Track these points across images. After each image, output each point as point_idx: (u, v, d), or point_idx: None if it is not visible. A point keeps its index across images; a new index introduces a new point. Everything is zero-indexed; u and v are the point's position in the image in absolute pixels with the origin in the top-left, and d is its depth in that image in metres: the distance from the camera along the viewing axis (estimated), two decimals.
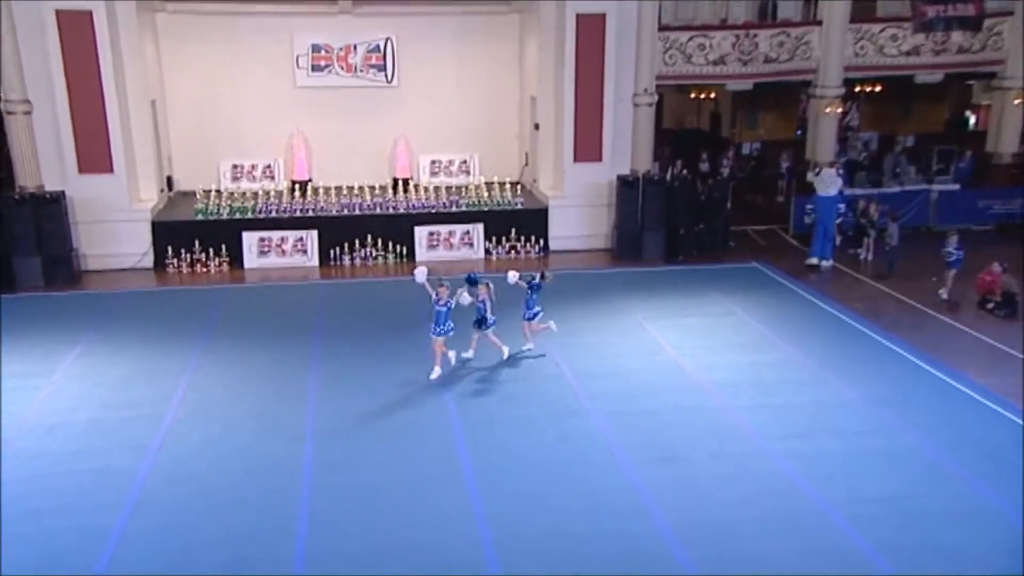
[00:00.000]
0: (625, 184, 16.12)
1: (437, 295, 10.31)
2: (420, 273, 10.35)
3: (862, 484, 8.22)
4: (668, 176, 16.95)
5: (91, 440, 9.03)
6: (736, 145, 22.22)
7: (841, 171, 16.86)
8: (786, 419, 9.50)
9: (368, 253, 15.92)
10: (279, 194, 16.85)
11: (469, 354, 10.87)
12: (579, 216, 16.61)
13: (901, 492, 8.09)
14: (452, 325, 10.44)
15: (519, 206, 16.54)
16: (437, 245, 16.14)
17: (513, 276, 10.44)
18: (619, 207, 16.23)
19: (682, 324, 12.47)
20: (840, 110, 18.54)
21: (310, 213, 16.06)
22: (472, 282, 10.48)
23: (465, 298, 10.47)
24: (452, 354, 10.63)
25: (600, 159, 16.49)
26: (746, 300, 13.54)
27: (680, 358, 11.22)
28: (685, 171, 17.46)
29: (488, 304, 10.57)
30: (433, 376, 10.34)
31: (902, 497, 8.00)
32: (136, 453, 8.76)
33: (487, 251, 16.29)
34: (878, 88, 20.49)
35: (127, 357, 11.24)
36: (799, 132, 22.48)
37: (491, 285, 10.58)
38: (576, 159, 16.45)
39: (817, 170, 16.37)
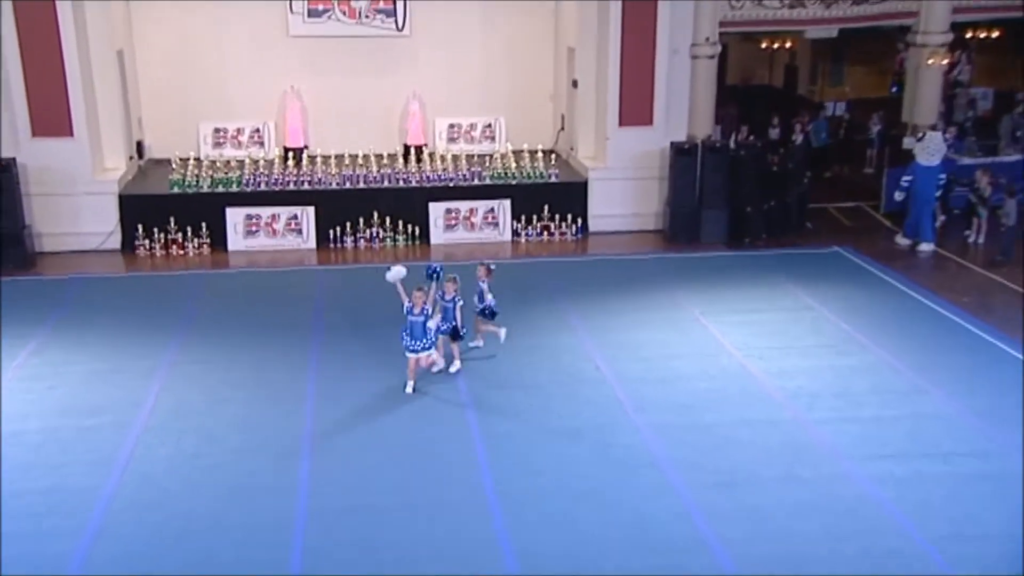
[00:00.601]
0: (680, 153, 16.03)
1: (411, 302, 10.24)
2: (395, 273, 10.22)
3: (967, 517, 8.08)
4: (732, 143, 16.81)
5: (45, 454, 9.11)
6: (817, 104, 21.91)
7: (951, 136, 16.57)
8: (875, 436, 9.39)
9: (374, 234, 15.97)
10: (269, 163, 16.95)
11: (478, 342, 11.12)
12: (625, 191, 16.57)
13: (1016, 528, 7.92)
14: (433, 339, 10.39)
15: (553, 179, 16.53)
16: (456, 225, 16.15)
17: (396, 272, 10.25)
18: (673, 180, 16.15)
19: (748, 321, 12.40)
20: (946, 61, 18.16)
21: (306, 186, 16.12)
22: (433, 276, 10.37)
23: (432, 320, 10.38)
24: (441, 360, 10.68)
25: (650, 123, 16.42)
26: (826, 292, 13.43)
27: (745, 361, 11.16)
28: (753, 137, 17.27)
29: (456, 305, 10.55)
30: (408, 390, 10.34)
31: (1017, 535, 7.82)
32: (98, 469, 8.82)
33: (515, 232, 16.29)
34: (994, 34, 20.02)
35: (89, 355, 11.35)
36: (894, 89, 22.14)
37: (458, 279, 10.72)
38: (622, 123, 16.40)
39: (920, 134, 16.08)
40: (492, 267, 11.01)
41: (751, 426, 9.61)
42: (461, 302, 10.80)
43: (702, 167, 16.07)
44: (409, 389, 10.39)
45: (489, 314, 11.18)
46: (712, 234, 16.10)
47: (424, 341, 10.30)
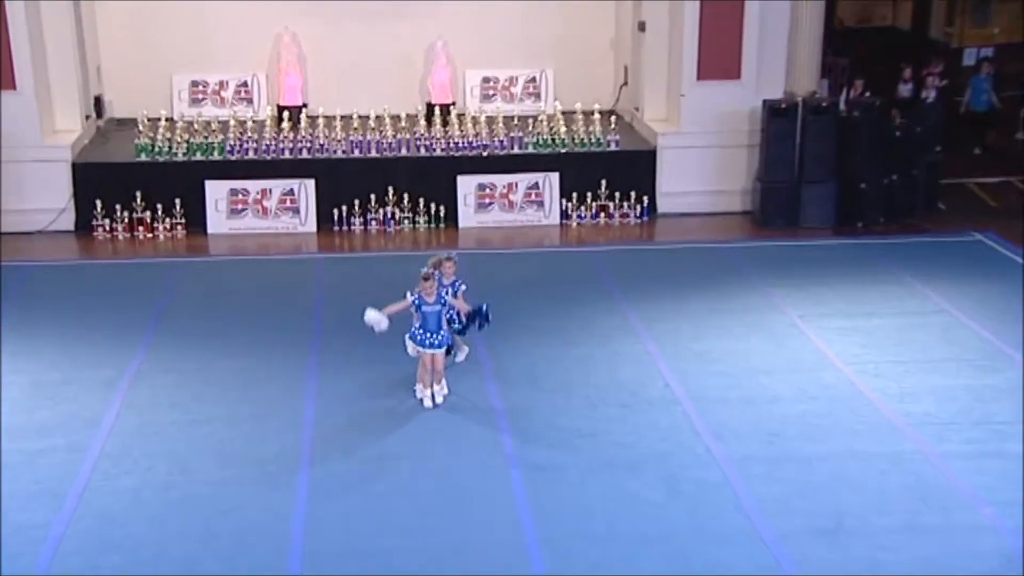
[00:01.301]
0: (776, 114, 15.94)
1: (417, 294, 10.28)
2: (373, 319, 10.26)
3: None
4: (843, 101, 16.65)
5: None
6: (954, 50, 21.54)
7: None
8: None
9: (388, 215, 16.07)
10: (259, 126, 17.10)
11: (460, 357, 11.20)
12: (703, 162, 16.53)
13: None
14: (446, 334, 10.44)
15: (613, 147, 16.52)
16: (490, 204, 16.19)
17: (374, 320, 10.29)
18: (766, 149, 16.05)
19: (860, 327, 12.31)
20: None
21: (304, 154, 16.25)
22: (483, 322, 10.76)
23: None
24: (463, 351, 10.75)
25: (737, 76, 16.35)
26: (962, 291, 13.29)
27: (857, 379, 11.07)
28: (870, 93, 17.07)
29: (459, 292, 10.73)
30: (427, 403, 10.45)
31: None
32: (47, 503, 8.92)
33: (564, 214, 16.29)
34: None
35: (35, 363, 11.51)
36: None
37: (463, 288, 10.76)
38: (701, 76, 16.36)
39: None
40: (454, 257, 10.84)
41: (863, 461, 9.52)
42: (463, 287, 10.83)
43: (803, 132, 15.98)
44: (428, 402, 10.47)
45: (461, 325, 10.85)
46: (815, 216, 16.02)
47: (440, 335, 10.37)
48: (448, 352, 10.66)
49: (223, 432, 10.08)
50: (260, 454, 9.68)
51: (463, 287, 10.85)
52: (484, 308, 10.74)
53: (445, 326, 10.45)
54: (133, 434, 10.03)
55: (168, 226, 15.78)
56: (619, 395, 10.76)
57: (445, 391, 10.58)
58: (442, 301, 10.37)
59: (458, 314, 10.74)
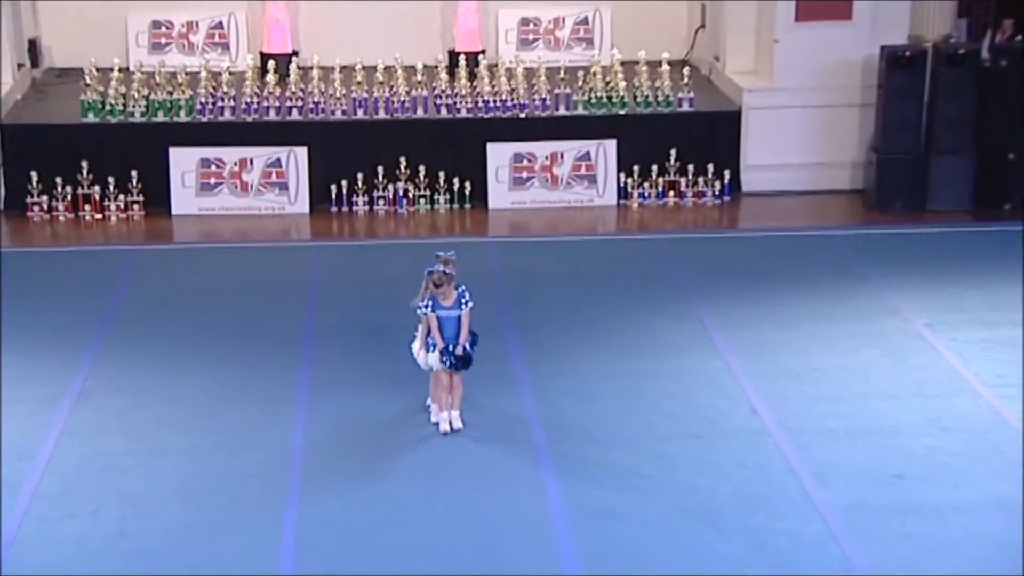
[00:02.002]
0: (898, 65, 15.84)
1: (426, 296, 10.25)
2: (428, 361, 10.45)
3: None
4: (986, 48, 16.45)
5: None
6: None
7: None
8: None
9: (400, 192, 16.07)
10: (238, 79, 17.09)
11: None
12: (802, 127, 16.48)
13: None
14: (465, 344, 10.38)
15: (686, 107, 16.47)
16: (529, 180, 16.15)
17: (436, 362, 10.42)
18: (884, 110, 15.97)
19: (1006, 339, 12.25)
20: None
21: (295, 115, 16.28)
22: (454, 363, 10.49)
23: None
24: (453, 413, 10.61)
25: (848, 16, 16.32)
26: None
27: (1002, 405, 10.98)
28: (1022, 37, 16.83)
29: (464, 305, 10.44)
30: (443, 428, 10.49)
31: None
32: None
33: (623, 192, 16.26)
34: None
35: None
36: None
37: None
38: (800, 17, 16.33)
39: None
40: (444, 271, 10.57)
41: (1009, 513, 9.38)
42: (470, 303, 10.46)
43: (934, 88, 15.88)
44: (444, 426, 10.48)
45: (457, 360, 10.52)
46: (948, 197, 15.95)
47: (453, 350, 10.38)
48: (466, 364, 10.61)
49: (189, 466, 10.05)
50: (236, 495, 9.64)
51: (470, 303, 10.60)
52: (454, 347, 10.43)
53: (465, 336, 10.41)
54: (77, 469, 10.02)
55: (122, 205, 15.82)
56: (692, 423, 10.69)
57: (459, 423, 10.55)
58: (461, 304, 10.35)
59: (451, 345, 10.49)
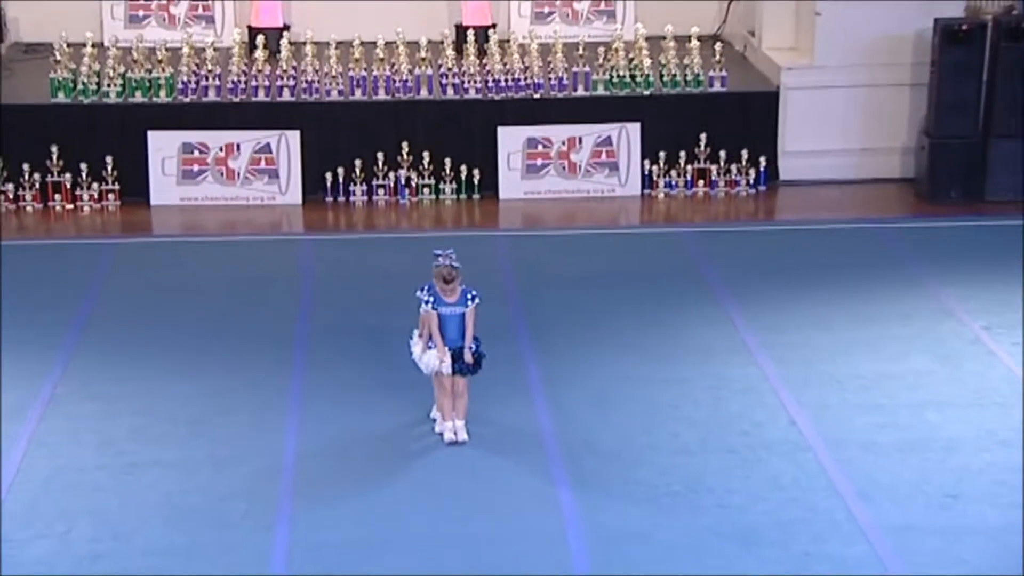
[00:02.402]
0: (953, 40, 15.77)
1: (429, 293, 10.26)
2: (431, 364, 10.42)
3: None
4: None
5: None
6: None
7: None
8: None
9: (402, 181, 16.03)
10: (223, 55, 17.07)
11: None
12: (847, 109, 16.46)
13: None
14: (474, 344, 10.37)
15: (718, 87, 16.42)
16: (544, 167, 16.13)
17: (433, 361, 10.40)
18: (937, 90, 15.90)
19: None
20: None
21: (286, 96, 16.22)
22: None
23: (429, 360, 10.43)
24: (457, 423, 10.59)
25: None
26: None
27: None
28: None
29: (468, 301, 10.44)
30: (447, 439, 10.49)
31: None
32: None
33: (648, 181, 16.22)
34: None
35: None
36: None
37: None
38: None
39: None
40: (453, 264, 10.49)
41: None
42: (476, 300, 10.42)
43: (992, 65, 15.81)
44: (450, 435, 10.48)
45: (467, 365, 10.52)
46: (1007, 185, 15.88)
47: (459, 350, 10.36)
48: (476, 367, 10.56)
49: (171, 482, 10.02)
50: (222, 513, 9.62)
51: (476, 300, 10.53)
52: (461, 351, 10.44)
53: (470, 337, 10.37)
54: (45, 484, 9.98)
55: (96, 194, 15.78)
56: (724, 436, 10.66)
57: (464, 435, 10.50)
58: (467, 300, 10.31)
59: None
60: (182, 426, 10.84)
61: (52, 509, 9.65)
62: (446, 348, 10.31)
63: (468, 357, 10.33)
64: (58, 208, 15.72)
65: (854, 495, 9.80)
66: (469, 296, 10.34)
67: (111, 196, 15.79)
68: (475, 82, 16.29)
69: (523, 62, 16.53)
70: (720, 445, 10.53)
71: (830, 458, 10.30)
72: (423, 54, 16.47)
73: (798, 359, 11.91)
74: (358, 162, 15.93)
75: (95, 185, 15.75)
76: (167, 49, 16.47)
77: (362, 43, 16.56)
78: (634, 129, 16.09)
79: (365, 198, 16.00)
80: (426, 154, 15.96)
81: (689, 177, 16.18)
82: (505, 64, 16.51)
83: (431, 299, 10.28)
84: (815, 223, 15.29)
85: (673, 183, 16.17)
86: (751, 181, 16.21)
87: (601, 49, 16.68)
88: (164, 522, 9.50)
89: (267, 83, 16.23)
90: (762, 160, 16.20)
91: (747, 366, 11.81)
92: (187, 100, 16.09)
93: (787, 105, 16.34)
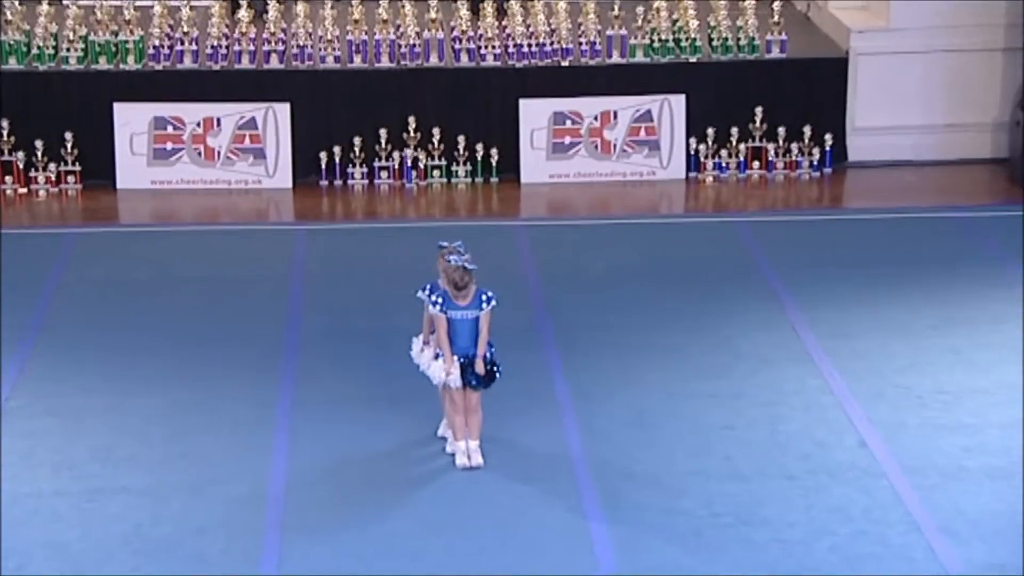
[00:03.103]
0: None
1: (435, 296, 10.31)
2: (439, 375, 10.49)
3: None
4: None
5: None
6: None
7: None
8: None
9: (408, 161, 16.08)
10: (201, 15, 17.09)
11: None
12: (927, 79, 16.48)
13: None
14: (494, 354, 10.44)
15: (776, 53, 16.45)
16: (573, 146, 16.16)
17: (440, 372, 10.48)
18: None
19: None
20: None
21: (274, 63, 16.26)
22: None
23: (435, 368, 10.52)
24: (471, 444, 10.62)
25: None
26: None
27: None
28: None
29: (484, 303, 10.46)
30: (459, 462, 10.51)
31: None
32: None
33: (694, 161, 16.26)
34: None
35: None
36: None
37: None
38: None
39: None
40: (467, 267, 10.48)
41: None
42: (493, 302, 10.40)
43: None
44: (462, 459, 10.51)
45: (479, 377, 10.53)
46: None
47: (470, 360, 10.37)
48: (489, 379, 10.59)
49: (141, 511, 10.02)
50: (199, 547, 9.61)
51: (493, 301, 10.53)
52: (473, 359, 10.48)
53: (484, 345, 10.38)
54: None
55: (53, 176, 15.85)
56: (783, 459, 10.66)
57: (479, 458, 10.52)
58: (481, 303, 10.32)
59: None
60: (153, 447, 10.85)
61: (3, 542, 9.63)
62: (455, 358, 10.35)
63: (480, 367, 10.35)
64: (9, 192, 15.78)
65: (935, 530, 9.75)
66: (484, 298, 10.34)
67: (71, 178, 15.85)
68: (493, 47, 16.33)
69: (549, 24, 16.56)
70: (778, 470, 10.52)
71: (907, 486, 10.26)
72: (433, 14, 16.54)
73: (869, 370, 11.90)
74: (357, 140, 15.98)
75: (52, 166, 15.81)
76: (136, 8, 16.53)
77: (362, 1, 16.60)
78: (678, 102, 16.12)
79: (365, 182, 16.05)
80: (436, 131, 16.01)
81: (742, 158, 16.20)
82: (528, 26, 16.54)
83: (440, 301, 10.31)
84: (889, 211, 15.28)
85: (723, 165, 16.19)
86: (814, 162, 16.23)
87: (640, 9, 16.68)
88: (132, 556, 9.49)
89: (252, 48, 16.27)
90: (827, 138, 16.22)
91: (810, 378, 11.81)
92: (159, 67, 16.14)
93: (857, 74, 16.36)
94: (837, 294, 13.29)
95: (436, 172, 16.06)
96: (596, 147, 16.12)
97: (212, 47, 16.25)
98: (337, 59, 16.24)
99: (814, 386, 11.68)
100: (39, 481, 10.40)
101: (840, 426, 11.10)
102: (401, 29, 16.40)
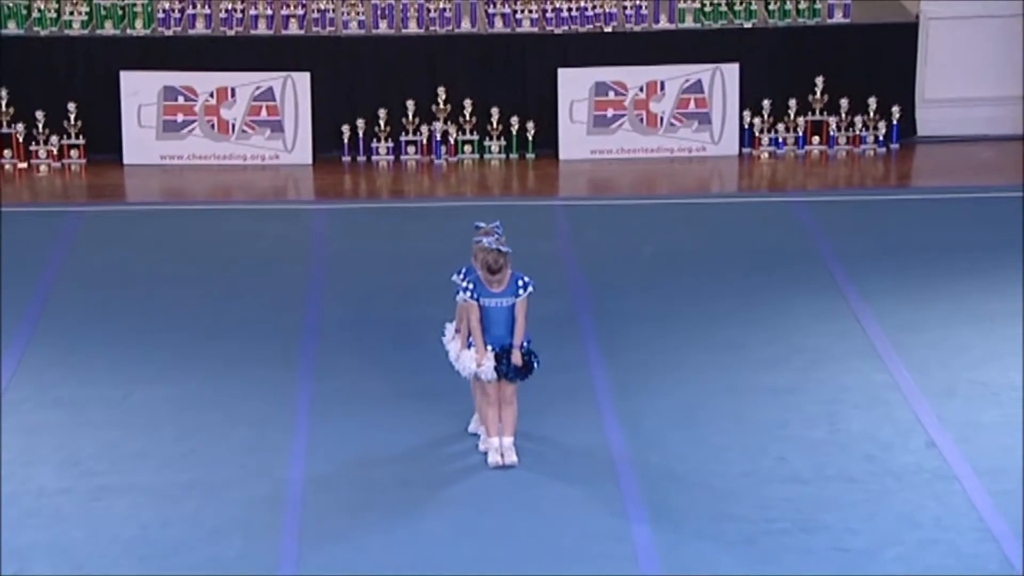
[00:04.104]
0: None
1: (467, 278, 10.33)
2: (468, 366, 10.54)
3: None
4: None
5: None
6: None
7: None
8: None
9: (437, 135, 16.12)
10: None
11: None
12: (1005, 45, 16.42)
13: None
14: (531, 344, 10.44)
15: (839, 18, 16.46)
16: (616, 119, 16.17)
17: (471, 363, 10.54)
18: None
19: None
20: None
21: (293, 29, 16.30)
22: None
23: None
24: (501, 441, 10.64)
25: None
26: None
27: None
28: None
29: (521, 289, 10.48)
30: (491, 460, 10.53)
31: None
32: None
33: (749, 136, 16.27)
34: None
35: None
36: None
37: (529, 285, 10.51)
38: None
39: None
40: (501, 249, 10.49)
41: None
42: (530, 287, 10.42)
43: None
44: (495, 457, 10.53)
45: (515, 368, 10.58)
46: None
47: (507, 354, 10.37)
48: (526, 371, 10.61)
49: (150, 511, 10.05)
50: (212, 551, 9.63)
51: (529, 287, 10.54)
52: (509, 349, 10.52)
53: (521, 334, 10.39)
54: None
55: (56, 150, 15.92)
56: (844, 460, 10.62)
57: (512, 456, 10.55)
58: (517, 289, 10.33)
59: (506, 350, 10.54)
60: (163, 443, 10.90)
61: (3, 543, 9.65)
62: (488, 348, 10.37)
63: (517, 358, 10.37)
64: (8, 167, 15.85)
65: (1012, 538, 9.69)
66: (520, 283, 10.35)
67: (74, 153, 15.92)
68: (530, 11, 16.31)
69: None
70: (838, 473, 10.49)
71: (981, 490, 10.21)
72: None
73: (939, 364, 11.87)
74: (382, 112, 16.00)
75: (54, 139, 15.88)
76: None
77: None
78: (731, 71, 16.11)
79: (391, 157, 16.07)
80: (468, 102, 16.02)
81: (800, 132, 16.18)
82: None
83: (471, 287, 10.33)
84: (962, 191, 15.24)
85: (780, 140, 16.16)
86: (880, 137, 16.21)
87: None
88: (140, 560, 9.52)
89: (269, 12, 16.29)
90: (895, 111, 16.18)
91: (874, 372, 11.78)
92: (169, 33, 16.18)
93: (928, 40, 16.33)
94: (904, 282, 13.27)
95: (467, 147, 16.07)
96: (641, 120, 16.11)
97: (226, 11, 16.29)
98: (361, 24, 16.24)
99: (879, 381, 11.66)
100: (41, 478, 10.44)
101: (907, 425, 11.08)
102: None
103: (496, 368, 10.36)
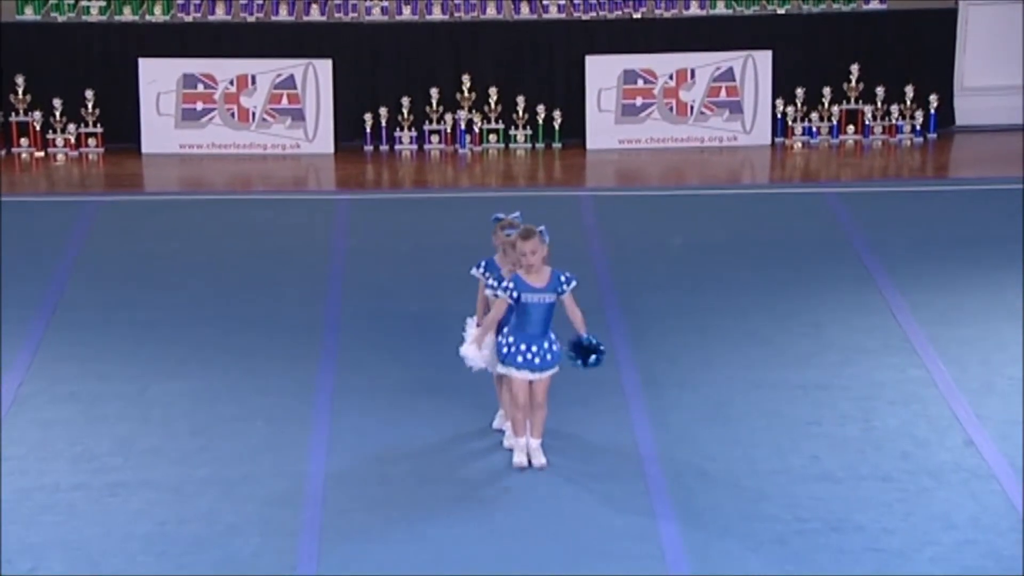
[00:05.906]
0: None
1: (504, 282, 10.24)
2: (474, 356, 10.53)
3: None
4: None
5: None
6: None
7: None
8: None
9: (462, 125, 16.12)
10: None
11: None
12: None
13: None
14: (554, 342, 10.38)
15: (875, 4, 16.43)
16: (645, 108, 16.17)
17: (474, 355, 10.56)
18: None
19: None
20: None
21: (314, 15, 16.33)
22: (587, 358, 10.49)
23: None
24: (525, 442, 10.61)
25: None
26: None
27: None
28: None
29: (564, 283, 10.44)
30: (516, 461, 10.51)
31: None
32: None
33: (781, 125, 16.27)
34: None
35: None
36: None
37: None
38: None
39: None
40: (517, 221, 10.47)
41: None
42: (573, 282, 10.36)
43: None
44: (521, 457, 10.52)
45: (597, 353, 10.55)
46: None
47: (548, 344, 10.31)
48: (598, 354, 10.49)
49: (166, 507, 10.07)
50: (229, 549, 9.64)
51: (573, 282, 10.49)
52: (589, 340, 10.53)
53: (582, 329, 10.36)
54: (8, 509, 10.02)
55: (73, 139, 15.97)
56: (878, 459, 10.60)
57: (541, 458, 10.51)
58: (560, 285, 10.27)
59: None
60: (180, 438, 10.93)
61: (15, 540, 9.70)
62: (530, 348, 10.26)
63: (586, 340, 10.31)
64: (24, 156, 15.90)
65: None
66: (563, 279, 10.27)
67: (92, 141, 15.98)
68: None
69: None
70: (872, 471, 10.47)
71: (1020, 490, 10.18)
72: None
73: (977, 360, 11.85)
74: (406, 101, 16.02)
75: (72, 127, 15.93)
76: None
77: None
78: (763, 59, 16.10)
79: (414, 147, 16.08)
80: (493, 91, 16.03)
81: (835, 121, 16.16)
82: None
83: (511, 284, 10.21)
84: (1001, 182, 15.19)
85: (814, 129, 16.14)
86: (917, 127, 16.19)
87: None
88: (156, 558, 9.53)
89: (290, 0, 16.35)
90: (933, 99, 16.17)
91: (910, 367, 11.77)
92: (188, 19, 16.22)
93: (967, 26, 16.32)
94: (941, 275, 13.27)
95: (492, 136, 16.08)
96: (671, 109, 16.10)
97: (247, 0, 16.35)
98: (384, 10, 16.27)
99: (914, 377, 11.65)
100: (55, 474, 10.47)
101: (944, 422, 11.06)
102: None
103: (578, 358, 10.33)
